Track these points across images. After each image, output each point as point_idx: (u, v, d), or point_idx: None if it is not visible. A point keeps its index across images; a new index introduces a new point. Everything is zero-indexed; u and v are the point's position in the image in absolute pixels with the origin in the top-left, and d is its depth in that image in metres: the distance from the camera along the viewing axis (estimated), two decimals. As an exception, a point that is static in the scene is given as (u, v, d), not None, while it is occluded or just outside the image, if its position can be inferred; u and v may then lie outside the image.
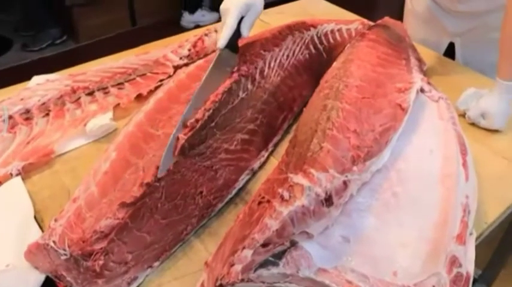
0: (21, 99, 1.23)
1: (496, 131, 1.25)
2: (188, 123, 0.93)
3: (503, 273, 1.76)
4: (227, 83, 1.03)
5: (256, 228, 0.78)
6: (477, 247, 0.94)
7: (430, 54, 1.58)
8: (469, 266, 0.81)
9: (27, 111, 1.20)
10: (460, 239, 0.84)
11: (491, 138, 1.24)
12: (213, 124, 0.98)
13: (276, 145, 1.18)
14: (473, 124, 1.27)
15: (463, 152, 1.02)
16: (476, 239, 0.94)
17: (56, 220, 0.87)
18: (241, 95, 1.07)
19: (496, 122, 1.24)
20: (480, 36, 1.56)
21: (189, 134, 0.92)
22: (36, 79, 1.36)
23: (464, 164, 0.99)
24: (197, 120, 0.94)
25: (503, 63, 1.23)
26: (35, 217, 0.99)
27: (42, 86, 1.29)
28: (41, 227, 0.96)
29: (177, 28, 1.63)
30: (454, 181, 0.95)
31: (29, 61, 2.90)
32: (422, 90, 1.18)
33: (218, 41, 1.10)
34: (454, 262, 0.80)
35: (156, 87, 1.28)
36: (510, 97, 1.23)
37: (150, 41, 1.62)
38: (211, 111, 0.97)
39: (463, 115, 1.28)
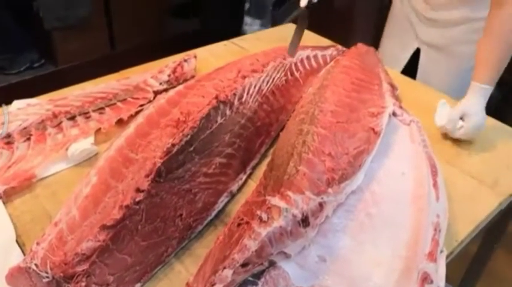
0: (2, 123, 1.24)
1: (466, 150, 1.30)
2: (165, 148, 0.96)
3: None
4: (205, 109, 1.06)
5: (235, 249, 0.80)
6: (450, 264, 0.98)
7: (402, 79, 1.64)
8: (440, 282, 0.84)
9: (8, 135, 1.21)
10: (431, 256, 0.87)
11: (461, 160, 1.29)
12: (191, 149, 1.01)
13: (254, 168, 1.21)
14: (445, 143, 1.32)
15: (434, 174, 1.05)
16: (448, 256, 0.98)
17: (37, 243, 0.88)
18: (220, 120, 1.09)
19: (478, 120, 1.29)
20: (444, 46, 1.67)
21: (165, 158, 0.95)
22: (17, 103, 1.37)
23: (435, 185, 1.02)
24: (173, 145, 0.97)
25: (480, 67, 1.29)
26: (16, 241, 0.99)
27: (23, 111, 1.31)
28: (23, 251, 0.97)
29: (155, 52, 1.67)
30: (425, 201, 0.99)
31: (7, 84, 2.89)
32: (394, 114, 1.21)
33: (301, 2, 1.44)
34: (425, 278, 0.83)
35: (137, 112, 1.30)
36: (484, 101, 1.29)
37: (129, 64, 1.64)
38: (189, 136, 1.00)
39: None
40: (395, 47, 1.84)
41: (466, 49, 1.60)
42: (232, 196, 1.13)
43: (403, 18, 1.79)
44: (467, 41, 1.58)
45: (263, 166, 1.15)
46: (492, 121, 1.44)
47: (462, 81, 1.39)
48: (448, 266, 0.92)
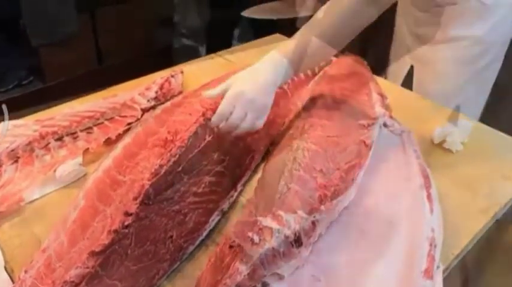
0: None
1: (459, 160, 1.29)
2: (153, 169, 0.95)
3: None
4: (193, 127, 1.04)
5: (227, 273, 0.79)
6: (448, 278, 0.96)
7: (392, 88, 1.62)
8: (437, 300, 0.84)
9: (-5, 158, 1.20)
10: (428, 273, 0.86)
11: (454, 170, 1.27)
12: (179, 169, 1.00)
13: (244, 185, 1.18)
14: (437, 153, 1.30)
15: (427, 185, 1.04)
16: (445, 270, 0.96)
17: (25, 271, 0.87)
18: (208, 138, 1.08)
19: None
20: (429, 63, 1.65)
21: (153, 180, 0.93)
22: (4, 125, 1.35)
23: (429, 197, 1.02)
24: (161, 166, 0.95)
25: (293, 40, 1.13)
26: (5, 268, 0.97)
27: (10, 132, 1.29)
28: (11, 278, 0.95)
29: (143, 66, 1.68)
30: (419, 214, 0.98)
31: (-4, 102, 2.88)
32: (385, 125, 1.21)
33: None
34: (422, 296, 0.82)
35: (125, 131, 1.28)
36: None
37: (117, 80, 1.62)
38: (177, 156, 0.99)
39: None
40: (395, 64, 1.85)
41: (451, 68, 1.59)
42: (223, 214, 1.10)
43: (401, 35, 1.79)
44: (452, 59, 1.57)
45: (254, 183, 1.13)
46: (484, 127, 1.43)
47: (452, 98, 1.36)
48: (446, 280, 0.91)
